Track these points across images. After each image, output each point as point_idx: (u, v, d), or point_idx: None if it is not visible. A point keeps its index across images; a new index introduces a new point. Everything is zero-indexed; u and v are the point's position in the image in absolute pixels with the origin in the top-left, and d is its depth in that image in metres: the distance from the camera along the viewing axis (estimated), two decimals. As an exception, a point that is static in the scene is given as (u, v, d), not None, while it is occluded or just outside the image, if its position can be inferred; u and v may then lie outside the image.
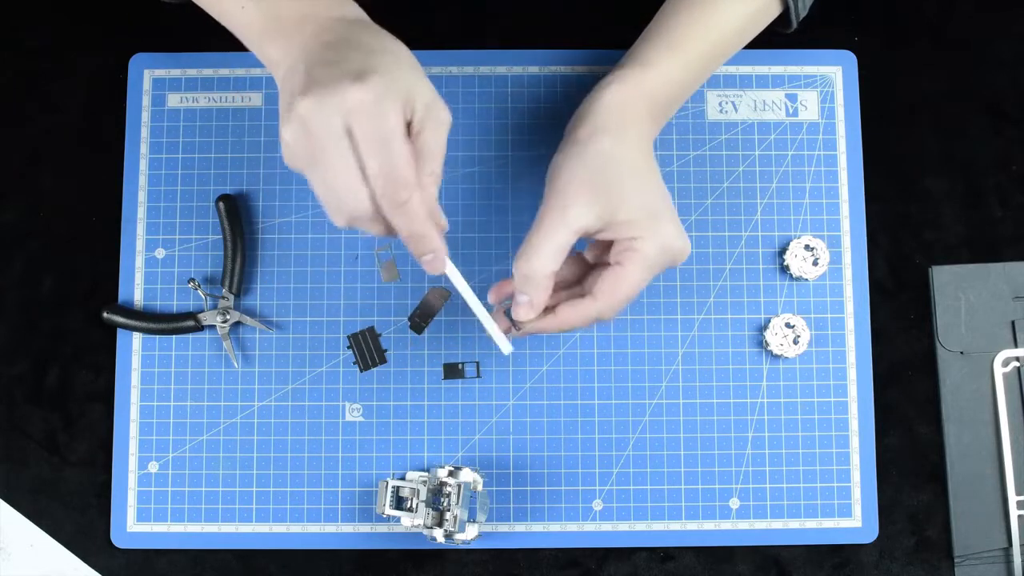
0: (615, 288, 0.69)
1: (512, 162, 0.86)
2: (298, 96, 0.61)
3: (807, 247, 0.85)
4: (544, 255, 0.68)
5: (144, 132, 0.86)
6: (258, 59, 0.69)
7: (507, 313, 0.71)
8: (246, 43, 0.70)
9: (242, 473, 0.83)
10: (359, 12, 0.68)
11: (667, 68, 0.74)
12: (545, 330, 0.71)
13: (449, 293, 0.85)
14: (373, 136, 0.60)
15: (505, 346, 0.70)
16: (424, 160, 0.63)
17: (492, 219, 0.85)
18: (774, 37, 0.83)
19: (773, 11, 0.77)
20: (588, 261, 0.73)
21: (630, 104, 0.72)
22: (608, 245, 0.70)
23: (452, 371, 0.84)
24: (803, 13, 0.79)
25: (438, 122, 0.63)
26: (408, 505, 0.80)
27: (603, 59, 0.87)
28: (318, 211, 0.85)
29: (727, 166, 0.86)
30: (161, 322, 0.84)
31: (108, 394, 0.84)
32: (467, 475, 0.78)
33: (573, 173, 0.69)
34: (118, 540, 0.83)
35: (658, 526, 0.83)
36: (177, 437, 0.83)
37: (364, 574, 0.83)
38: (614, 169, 0.69)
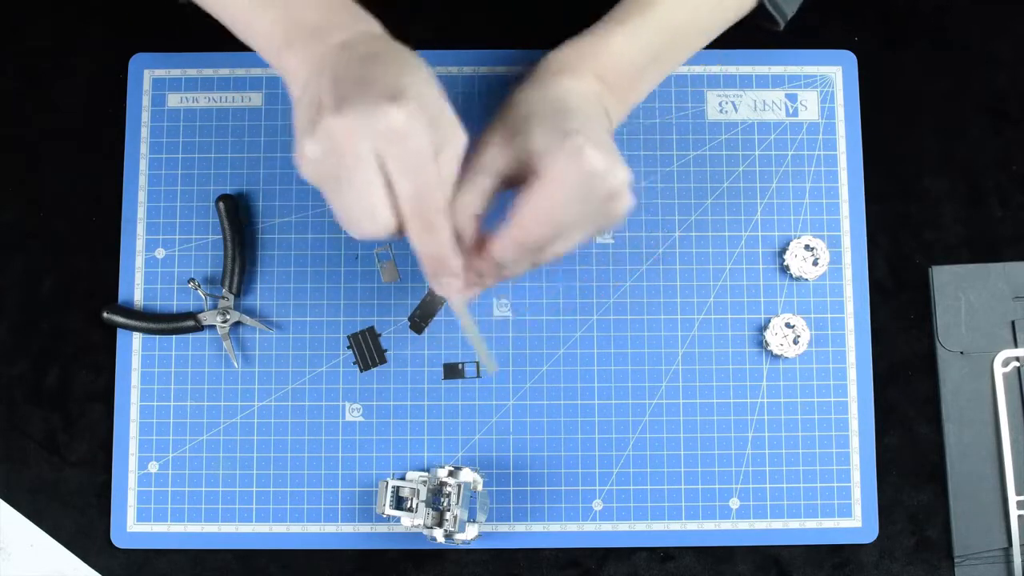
0: (524, 209, 0.65)
1: (512, 162, 0.86)
2: (330, 113, 0.59)
3: (807, 247, 0.85)
4: (462, 195, 0.66)
5: (144, 132, 0.86)
6: (275, 70, 0.68)
7: None
8: (262, 53, 0.69)
9: (242, 473, 0.83)
10: (378, 27, 0.67)
11: (614, 37, 0.73)
12: (484, 270, 0.68)
13: (449, 293, 0.85)
14: (408, 159, 0.60)
15: (491, 365, 0.77)
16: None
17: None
18: (774, 37, 0.83)
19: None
20: None
21: (563, 61, 0.72)
22: None
23: (452, 371, 0.84)
24: (789, 12, 0.78)
25: (455, 147, 0.63)
26: (408, 505, 0.80)
27: (603, 59, 0.87)
28: (318, 211, 0.85)
29: (727, 166, 0.86)
30: (161, 322, 0.84)
31: (108, 394, 0.84)
32: (467, 475, 0.78)
33: (493, 124, 0.69)
34: (118, 540, 0.83)
35: (658, 526, 0.83)
36: (177, 437, 0.83)
37: (364, 574, 0.83)
38: (529, 109, 0.68)
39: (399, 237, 0.64)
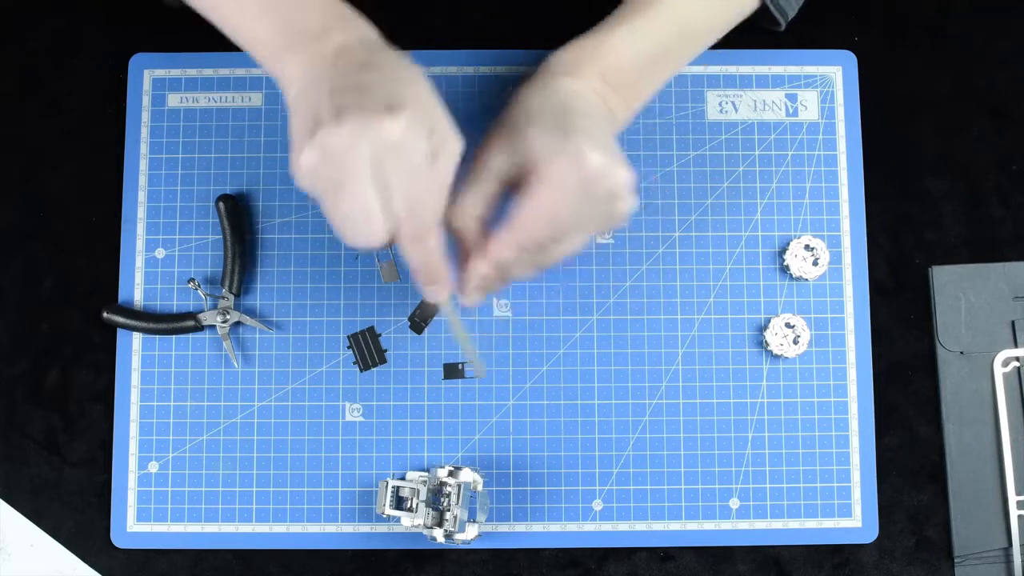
0: (524, 211, 0.66)
1: (512, 162, 0.86)
2: (328, 124, 0.60)
3: (807, 247, 0.85)
4: (464, 197, 0.68)
5: (144, 132, 0.86)
6: (270, 74, 0.68)
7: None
8: (257, 57, 0.68)
9: (242, 473, 0.83)
10: (375, 34, 0.67)
11: (618, 35, 0.73)
12: (482, 273, 0.68)
13: (449, 293, 0.85)
14: (402, 171, 0.61)
15: (480, 369, 0.80)
16: None
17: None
18: (774, 37, 0.84)
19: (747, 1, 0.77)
20: None
21: (566, 62, 0.72)
22: None
23: (452, 371, 0.84)
24: (791, 12, 0.79)
25: (450, 154, 0.64)
26: (408, 505, 0.80)
27: (603, 59, 0.87)
28: (318, 211, 0.85)
29: (727, 166, 0.86)
30: (161, 322, 0.84)
31: (108, 394, 0.84)
32: (467, 475, 0.78)
33: (493, 126, 0.70)
34: (118, 540, 0.83)
35: (658, 526, 0.83)
36: (177, 437, 0.83)
37: (364, 574, 0.83)
38: (530, 110, 0.68)
39: (392, 244, 0.65)
